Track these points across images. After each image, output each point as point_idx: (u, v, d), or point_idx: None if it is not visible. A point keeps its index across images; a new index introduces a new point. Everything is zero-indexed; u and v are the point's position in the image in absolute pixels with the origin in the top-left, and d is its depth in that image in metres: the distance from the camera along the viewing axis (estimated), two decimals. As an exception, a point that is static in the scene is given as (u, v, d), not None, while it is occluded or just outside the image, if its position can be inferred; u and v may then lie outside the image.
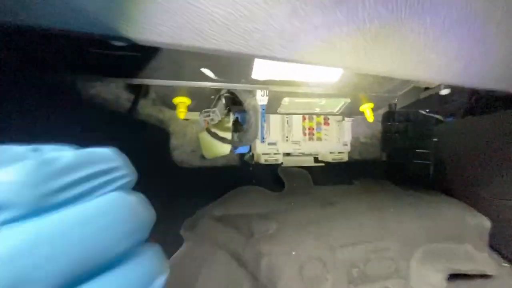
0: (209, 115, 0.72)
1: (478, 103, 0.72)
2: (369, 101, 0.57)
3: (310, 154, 1.00)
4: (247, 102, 0.52)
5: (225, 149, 0.77)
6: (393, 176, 1.03)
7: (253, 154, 0.92)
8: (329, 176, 0.96)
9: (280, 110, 0.57)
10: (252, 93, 0.53)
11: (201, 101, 0.52)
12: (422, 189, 0.83)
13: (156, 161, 0.68)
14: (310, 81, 0.49)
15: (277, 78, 0.47)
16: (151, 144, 0.66)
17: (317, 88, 0.51)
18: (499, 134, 0.66)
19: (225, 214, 0.71)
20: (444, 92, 0.55)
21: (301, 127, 0.87)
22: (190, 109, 0.53)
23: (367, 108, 0.58)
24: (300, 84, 0.49)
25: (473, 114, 0.72)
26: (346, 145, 0.97)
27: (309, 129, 0.92)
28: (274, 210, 0.73)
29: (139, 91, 0.59)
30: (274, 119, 0.85)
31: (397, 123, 1.02)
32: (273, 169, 0.90)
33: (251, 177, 0.87)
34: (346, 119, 0.95)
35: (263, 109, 0.88)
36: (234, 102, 0.78)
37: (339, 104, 0.57)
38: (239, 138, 0.64)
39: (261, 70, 0.45)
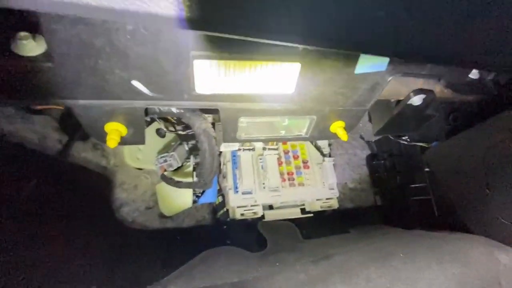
0: (165, 161, 0.62)
1: (457, 121, 0.67)
2: (338, 118, 0.50)
3: (295, 205, 0.87)
4: (197, 126, 0.44)
5: (186, 200, 0.64)
6: (393, 220, 0.88)
7: (227, 210, 0.77)
8: (320, 227, 0.80)
9: (239, 135, 0.49)
10: (202, 116, 0.45)
11: (138, 129, 0.43)
12: (430, 227, 0.69)
13: (95, 219, 0.53)
14: (263, 94, 0.42)
15: (225, 92, 0.41)
16: (88, 197, 0.53)
17: (274, 102, 0.44)
18: (490, 145, 0.59)
19: (186, 289, 0.52)
20: (416, 101, 0.50)
21: (277, 171, 0.77)
22: (127, 140, 0.44)
23: (338, 128, 0.51)
24: (253, 98, 0.43)
25: (455, 133, 0.66)
26: (332, 189, 0.85)
27: (288, 173, 0.82)
28: (252, 277, 0.55)
29: (74, 130, 0.50)
30: (245, 163, 0.76)
31: (382, 161, 0.94)
32: (252, 225, 0.75)
33: (226, 237, 0.71)
34: (326, 159, 0.86)
35: (234, 156, 0.80)
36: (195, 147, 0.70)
37: (305, 124, 0.50)
38: (197, 176, 0.52)
39: (205, 82, 0.38)
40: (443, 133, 0.69)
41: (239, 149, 0.76)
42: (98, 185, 0.56)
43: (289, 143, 0.87)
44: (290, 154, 0.85)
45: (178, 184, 0.54)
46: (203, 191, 0.67)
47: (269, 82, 0.41)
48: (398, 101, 0.55)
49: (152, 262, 0.58)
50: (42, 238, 0.44)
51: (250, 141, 0.52)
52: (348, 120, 0.51)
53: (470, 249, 0.57)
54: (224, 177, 0.78)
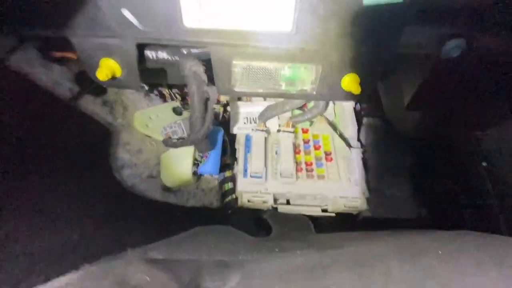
0: (171, 127, 0.61)
1: None
2: (350, 69, 0.43)
3: (316, 205, 0.76)
4: (187, 69, 0.42)
5: (185, 170, 0.60)
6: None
7: (236, 198, 0.71)
8: (339, 231, 0.67)
9: (235, 86, 0.45)
10: (195, 59, 0.43)
11: (132, 70, 0.43)
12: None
13: (94, 172, 0.52)
14: (258, 31, 0.38)
15: (215, 27, 0.38)
16: (90, 148, 0.53)
17: (270, 43, 0.40)
18: None
19: (167, 258, 0.47)
20: (451, 50, 0.39)
21: (292, 156, 0.69)
22: (121, 82, 0.44)
23: (351, 83, 0.43)
24: (246, 36, 0.39)
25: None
26: (360, 185, 0.72)
27: (306, 163, 0.73)
28: (243, 258, 0.47)
29: (87, 85, 0.53)
30: (257, 145, 0.70)
31: (427, 163, 0.78)
32: (260, 213, 0.67)
33: (229, 222, 0.64)
34: (352, 150, 0.75)
35: (248, 140, 0.75)
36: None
37: (310, 75, 0.44)
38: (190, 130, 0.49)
39: (192, 12, 0.37)
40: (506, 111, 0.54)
41: (252, 130, 0.72)
42: (102, 139, 0.57)
43: (310, 132, 0.79)
44: (311, 143, 0.77)
45: (174, 144, 0.51)
46: (200, 162, 0.63)
47: (263, 15, 0.37)
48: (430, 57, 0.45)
49: (144, 230, 0.55)
50: (36, 177, 0.45)
51: (247, 94, 0.48)
52: (363, 74, 0.44)
53: None
54: (237, 162, 0.74)
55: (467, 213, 0.66)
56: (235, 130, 0.75)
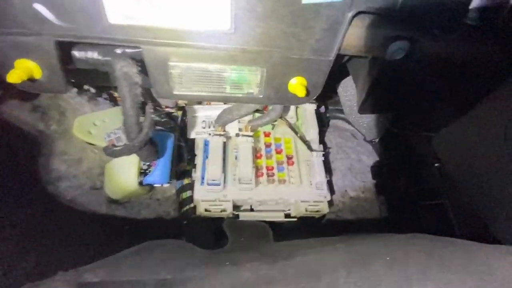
0: (115, 133, 0.56)
1: (466, 91, 0.53)
2: (296, 72, 0.41)
3: (279, 210, 0.74)
4: (117, 69, 0.38)
5: (130, 181, 0.55)
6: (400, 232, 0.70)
7: (195, 206, 0.67)
8: (303, 235, 0.65)
9: (174, 88, 0.41)
10: (127, 60, 0.39)
11: (54, 71, 0.38)
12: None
13: (21, 187, 0.46)
14: (194, 30, 0.35)
15: (145, 23, 0.35)
16: (11, 161, 0.47)
17: (208, 42, 0.37)
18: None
19: (104, 280, 0.42)
20: (395, 52, 0.39)
21: (250, 161, 0.66)
22: (43, 86, 0.39)
23: (298, 86, 0.41)
24: (182, 35, 0.36)
25: (466, 111, 0.51)
26: (321, 189, 0.71)
27: (267, 168, 0.71)
28: (189, 274, 0.43)
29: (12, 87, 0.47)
30: (214, 150, 0.67)
31: (386, 162, 0.79)
32: (216, 223, 0.63)
33: (182, 234, 0.60)
34: (314, 153, 0.74)
35: (206, 145, 0.71)
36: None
37: (256, 78, 0.41)
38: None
39: (117, 7, 0.33)
40: (455, 112, 0.55)
41: (210, 134, 0.68)
42: (30, 149, 0.51)
43: (272, 135, 0.77)
44: (273, 147, 0.75)
45: (114, 152, 0.47)
46: (147, 170, 0.58)
47: (198, 12, 0.34)
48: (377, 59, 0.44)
49: (84, 248, 0.49)
50: None
51: (188, 98, 0.45)
52: (310, 76, 0.42)
53: (493, 259, 0.40)
54: (195, 169, 0.70)
55: (423, 213, 0.68)
56: (192, 134, 0.71)
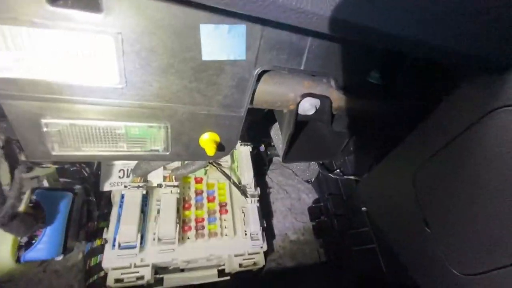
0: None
1: (383, 141, 0.56)
2: (206, 127, 0.38)
3: (211, 266, 0.66)
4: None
5: (4, 258, 0.42)
6: (336, 280, 0.68)
7: (105, 275, 0.55)
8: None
9: (54, 149, 0.34)
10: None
11: None
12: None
13: None
14: (74, 84, 0.30)
15: (8, 75, 0.28)
16: None
17: (95, 97, 0.31)
18: (418, 165, 0.47)
19: None
20: (306, 108, 0.39)
21: (173, 215, 0.59)
22: None
23: (209, 142, 0.37)
24: (59, 89, 0.30)
25: (381, 158, 0.54)
26: (257, 239, 0.66)
27: (196, 220, 0.64)
28: None
29: None
30: (129, 205, 0.58)
31: (321, 204, 0.78)
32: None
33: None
34: (248, 200, 0.70)
35: (123, 198, 0.62)
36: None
37: (159, 134, 0.36)
38: None
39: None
40: (373, 156, 0.57)
41: (125, 186, 0.59)
42: None
43: (204, 181, 0.71)
44: (204, 195, 0.68)
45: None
46: (30, 243, 0.45)
47: (79, 64, 0.29)
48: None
49: None
50: None
51: (75, 158, 0.37)
52: (222, 131, 0.39)
53: None
54: (107, 228, 0.59)
55: (357, 257, 0.67)
56: (106, 186, 0.61)
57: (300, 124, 0.44)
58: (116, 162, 0.63)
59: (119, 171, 0.62)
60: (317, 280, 0.73)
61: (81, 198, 0.56)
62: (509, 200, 0.33)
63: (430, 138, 0.44)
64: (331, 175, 0.68)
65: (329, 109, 0.41)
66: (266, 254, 0.69)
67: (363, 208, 0.62)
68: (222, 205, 0.69)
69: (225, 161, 0.75)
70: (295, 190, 0.97)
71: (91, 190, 0.61)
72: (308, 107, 0.40)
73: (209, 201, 0.68)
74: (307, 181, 0.89)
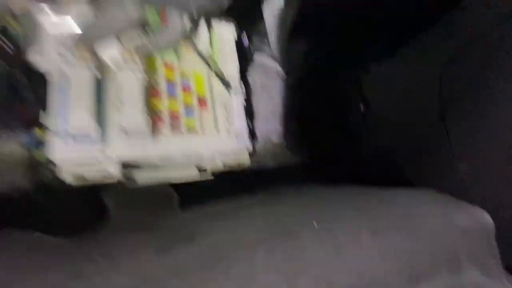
0: None
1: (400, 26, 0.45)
2: None
3: (189, 164, 0.59)
4: None
5: None
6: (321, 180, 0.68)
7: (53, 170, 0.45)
8: (220, 194, 0.54)
9: None
10: None
11: None
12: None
13: None
14: None
15: None
16: None
17: None
18: (449, 58, 0.38)
19: None
20: None
21: (140, 102, 0.47)
22: None
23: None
24: None
25: (399, 47, 0.44)
26: (243, 138, 0.60)
27: (171, 113, 0.53)
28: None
29: None
30: (79, 87, 0.43)
31: (305, 92, 0.70)
32: (94, 193, 0.45)
33: (38, 215, 0.40)
34: (234, 93, 0.60)
35: (65, 83, 0.46)
36: None
37: None
38: None
39: None
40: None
41: (68, 63, 0.43)
42: None
43: (178, 68, 0.57)
44: (178, 85, 0.55)
45: None
46: None
47: None
48: None
49: None
50: None
51: None
52: None
53: (416, 208, 0.38)
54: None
55: (343, 164, 0.65)
56: (41, 62, 0.44)
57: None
58: (49, 27, 0.44)
59: (56, 42, 0.44)
60: (300, 176, 0.73)
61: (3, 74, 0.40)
62: None
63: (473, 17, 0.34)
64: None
65: None
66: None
67: (361, 108, 0.56)
68: (201, 99, 0.57)
69: (204, 49, 0.59)
70: (280, 93, 0.88)
71: (18, 66, 0.44)
72: None
73: (185, 91, 0.56)
74: (299, 78, 0.79)
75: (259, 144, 0.79)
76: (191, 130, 0.54)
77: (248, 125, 0.62)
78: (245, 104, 0.60)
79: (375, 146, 0.55)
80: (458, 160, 0.39)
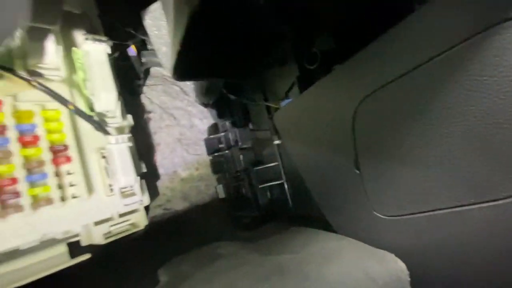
0: None
1: (314, 58, 0.41)
2: None
3: (58, 242, 0.41)
4: None
5: None
6: (238, 220, 0.61)
7: None
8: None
9: None
10: None
11: None
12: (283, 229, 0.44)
13: None
14: None
15: None
16: None
17: None
18: (360, 100, 0.35)
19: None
20: None
21: None
22: None
23: None
24: None
25: (310, 83, 0.40)
26: (132, 194, 0.44)
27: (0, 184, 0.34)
28: None
29: None
30: None
31: (222, 134, 0.62)
32: None
33: None
34: (110, 138, 0.43)
35: None
36: None
37: None
38: None
39: None
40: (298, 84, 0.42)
41: None
42: None
43: (7, 108, 0.36)
44: (11, 134, 0.36)
45: None
46: None
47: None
48: None
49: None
50: None
51: None
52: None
53: (337, 254, 0.33)
54: None
55: (261, 192, 0.58)
56: None
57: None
58: None
59: None
60: (214, 219, 0.63)
61: None
62: (458, 144, 0.26)
63: (395, 56, 0.31)
64: (235, 97, 0.49)
65: None
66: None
67: (276, 142, 0.50)
68: (58, 150, 0.39)
69: (54, 68, 0.40)
70: (185, 114, 0.74)
71: None
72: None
73: (24, 144, 0.36)
74: (204, 104, 0.68)
75: (163, 183, 0.65)
76: (41, 202, 0.36)
77: (141, 171, 0.48)
78: (131, 144, 0.45)
79: (293, 181, 0.50)
80: (372, 207, 0.37)
